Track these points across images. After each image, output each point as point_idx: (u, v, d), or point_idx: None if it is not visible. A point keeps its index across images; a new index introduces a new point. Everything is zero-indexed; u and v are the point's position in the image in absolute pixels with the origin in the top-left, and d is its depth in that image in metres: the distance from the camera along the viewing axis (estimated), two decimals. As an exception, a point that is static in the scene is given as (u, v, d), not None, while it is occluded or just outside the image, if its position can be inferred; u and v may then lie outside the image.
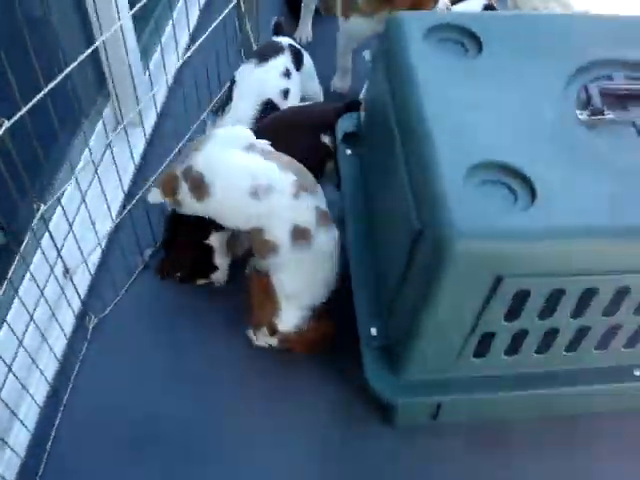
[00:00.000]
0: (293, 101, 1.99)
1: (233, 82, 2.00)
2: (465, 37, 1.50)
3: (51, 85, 1.34)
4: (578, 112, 1.40)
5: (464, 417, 1.64)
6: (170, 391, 1.73)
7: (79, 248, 1.76)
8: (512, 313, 1.32)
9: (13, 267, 1.67)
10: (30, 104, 1.31)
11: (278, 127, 1.81)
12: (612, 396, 1.58)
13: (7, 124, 1.25)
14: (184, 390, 1.73)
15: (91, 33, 1.89)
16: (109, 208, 1.81)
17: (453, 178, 1.23)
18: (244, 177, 1.57)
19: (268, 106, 1.92)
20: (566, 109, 1.40)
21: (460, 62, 1.46)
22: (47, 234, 1.63)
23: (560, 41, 1.51)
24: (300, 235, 1.57)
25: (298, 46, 2.12)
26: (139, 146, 2.09)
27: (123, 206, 1.92)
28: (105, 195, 1.76)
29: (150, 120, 2.11)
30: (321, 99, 2.19)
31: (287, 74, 2.01)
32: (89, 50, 1.44)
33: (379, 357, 1.48)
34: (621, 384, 1.51)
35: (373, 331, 1.49)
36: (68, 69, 1.37)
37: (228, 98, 1.98)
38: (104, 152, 1.88)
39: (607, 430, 1.65)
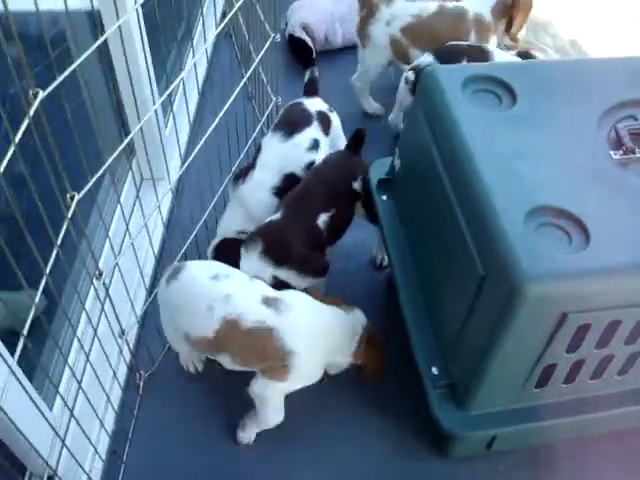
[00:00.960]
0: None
1: (259, 150, 2.03)
2: (499, 88, 1.60)
3: (106, 164, 1.41)
4: (612, 152, 1.51)
5: (517, 445, 1.72)
6: (228, 448, 1.78)
7: (132, 308, 1.82)
8: (571, 344, 1.41)
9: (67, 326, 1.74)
10: (96, 176, 1.38)
11: (316, 181, 1.91)
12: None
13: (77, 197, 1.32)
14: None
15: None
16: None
17: (513, 224, 1.33)
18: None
19: (290, 178, 1.97)
20: (600, 150, 1.51)
21: (498, 112, 1.56)
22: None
23: (585, 86, 1.62)
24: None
25: (327, 110, 2.11)
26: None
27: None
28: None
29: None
30: None
31: (315, 146, 2.02)
32: (126, 141, 1.49)
33: (443, 394, 1.55)
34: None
35: (434, 370, 1.57)
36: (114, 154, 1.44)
37: (252, 166, 2.02)
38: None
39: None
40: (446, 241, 1.53)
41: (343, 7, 2.98)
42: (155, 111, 1.69)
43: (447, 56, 2.34)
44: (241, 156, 2.17)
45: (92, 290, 1.93)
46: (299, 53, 2.87)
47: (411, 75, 2.38)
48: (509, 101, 1.58)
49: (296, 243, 1.80)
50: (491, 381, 1.45)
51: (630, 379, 1.56)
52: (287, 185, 1.95)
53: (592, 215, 1.36)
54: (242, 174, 2.02)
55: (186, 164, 1.82)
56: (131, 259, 1.77)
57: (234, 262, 1.84)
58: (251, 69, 2.09)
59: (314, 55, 2.88)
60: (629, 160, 1.50)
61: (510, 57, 2.42)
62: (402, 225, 1.80)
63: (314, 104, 2.11)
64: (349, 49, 3.00)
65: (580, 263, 1.29)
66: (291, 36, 2.89)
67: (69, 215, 1.34)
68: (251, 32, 2.47)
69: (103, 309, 1.63)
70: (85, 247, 1.51)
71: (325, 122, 2.08)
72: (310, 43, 2.88)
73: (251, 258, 1.80)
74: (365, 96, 2.75)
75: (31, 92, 1.07)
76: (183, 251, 1.94)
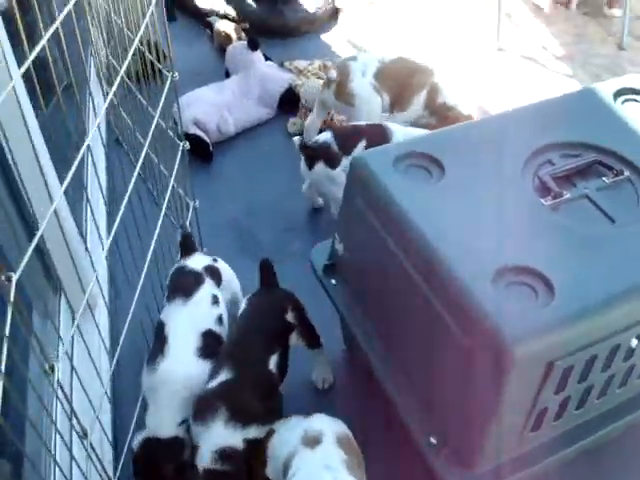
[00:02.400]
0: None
1: (162, 325, 1.89)
2: (425, 161, 1.70)
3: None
4: (542, 200, 1.63)
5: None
6: None
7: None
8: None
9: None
10: (70, 335, 1.35)
11: (250, 328, 1.91)
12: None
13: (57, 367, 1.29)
14: None
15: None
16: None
17: (483, 290, 1.42)
18: None
19: (209, 334, 1.88)
20: (532, 200, 1.64)
21: (432, 185, 1.66)
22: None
23: (501, 142, 1.76)
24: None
25: (212, 262, 2.07)
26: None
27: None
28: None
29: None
30: (241, 296, 2.14)
31: (216, 301, 1.96)
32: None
33: (446, 460, 1.60)
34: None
35: (433, 440, 1.61)
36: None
37: (162, 342, 1.85)
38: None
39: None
40: (417, 316, 1.60)
41: (227, 96, 3.04)
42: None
43: (345, 136, 2.48)
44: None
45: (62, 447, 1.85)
46: (196, 149, 2.89)
47: (297, 140, 2.49)
48: (439, 172, 1.68)
49: (258, 397, 1.74)
50: (492, 439, 1.52)
51: (609, 400, 1.67)
52: (208, 343, 1.87)
53: (548, 264, 1.47)
54: (153, 355, 1.84)
55: (136, 296, 1.80)
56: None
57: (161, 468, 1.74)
58: (169, 190, 2.09)
59: (211, 148, 2.93)
60: (559, 203, 1.63)
61: (409, 130, 2.54)
62: (360, 306, 1.85)
63: (197, 262, 2.05)
64: (242, 134, 3.07)
65: (554, 314, 1.39)
66: (185, 134, 2.91)
67: (56, 386, 1.31)
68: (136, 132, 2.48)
69: (95, 466, 1.58)
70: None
71: (215, 275, 2.03)
72: (205, 137, 2.92)
73: (215, 429, 1.68)
74: None
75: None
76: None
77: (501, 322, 1.36)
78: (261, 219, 2.68)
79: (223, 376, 1.76)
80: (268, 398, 1.78)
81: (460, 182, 1.66)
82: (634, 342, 1.56)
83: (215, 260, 2.10)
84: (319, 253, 1.99)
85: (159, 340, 1.86)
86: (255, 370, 1.80)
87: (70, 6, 1.31)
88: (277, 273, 2.04)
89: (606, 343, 1.47)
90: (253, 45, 3.19)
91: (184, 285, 1.97)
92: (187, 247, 2.11)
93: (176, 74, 2.03)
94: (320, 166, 2.47)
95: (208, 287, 1.98)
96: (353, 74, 2.75)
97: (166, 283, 2.04)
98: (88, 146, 1.49)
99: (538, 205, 1.62)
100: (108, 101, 1.62)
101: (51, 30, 1.22)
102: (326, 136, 2.48)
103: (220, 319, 1.95)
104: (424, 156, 1.71)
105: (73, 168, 1.31)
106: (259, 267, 2.00)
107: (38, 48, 1.18)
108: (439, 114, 2.76)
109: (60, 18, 1.28)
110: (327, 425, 1.68)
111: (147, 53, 2.16)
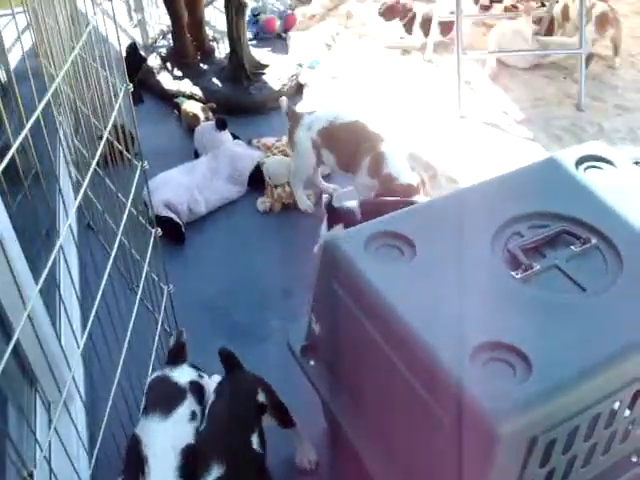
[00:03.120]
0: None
1: (138, 442, 1.79)
2: (396, 240, 1.72)
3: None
4: (513, 273, 1.65)
5: None
6: None
7: None
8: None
9: None
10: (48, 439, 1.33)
11: (226, 415, 1.86)
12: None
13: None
14: None
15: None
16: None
17: (462, 369, 1.42)
18: None
19: (189, 449, 1.79)
20: (502, 274, 1.66)
21: (404, 265, 1.67)
22: None
23: (470, 217, 1.79)
24: None
25: (197, 378, 1.95)
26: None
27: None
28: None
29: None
30: None
31: (194, 417, 1.87)
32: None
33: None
34: (626, 473, 1.72)
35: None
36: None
37: (140, 462, 1.76)
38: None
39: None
40: (397, 395, 1.60)
41: (197, 176, 3.07)
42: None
43: (370, 206, 2.57)
44: (152, 359, 2.13)
45: None
46: (168, 231, 2.89)
47: (325, 199, 2.62)
48: (410, 251, 1.70)
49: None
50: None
51: (593, 468, 1.66)
52: (188, 460, 1.78)
53: (523, 339, 1.47)
54: (131, 478, 1.76)
55: (112, 390, 1.77)
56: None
57: None
58: (142, 277, 2.09)
59: (183, 229, 2.94)
60: (530, 275, 1.65)
61: None
62: (339, 386, 1.85)
63: (183, 374, 1.94)
64: (214, 214, 3.09)
65: (533, 389, 1.39)
66: (157, 216, 2.92)
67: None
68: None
69: None
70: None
71: (198, 392, 1.94)
72: (176, 219, 2.93)
73: None
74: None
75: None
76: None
77: (483, 400, 1.37)
78: (236, 299, 2.68)
79: (216, 472, 1.70)
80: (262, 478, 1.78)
81: (432, 260, 1.68)
82: (616, 405, 1.57)
83: (201, 376, 1.98)
84: (296, 333, 1.99)
85: (137, 460, 1.76)
86: (244, 455, 1.77)
87: (38, 112, 1.32)
88: (255, 353, 2.03)
89: (587, 413, 1.47)
90: (221, 125, 3.24)
91: (165, 399, 1.87)
92: (177, 355, 2.00)
93: (145, 163, 2.05)
94: (338, 229, 2.56)
95: (188, 404, 1.88)
96: (301, 126, 2.99)
97: (145, 389, 1.95)
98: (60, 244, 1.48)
99: (509, 278, 1.65)
100: (80, 197, 1.62)
101: (20, 137, 1.23)
102: (353, 204, 2.59)
103: (197, 430, 1.86)
104: (395, 235, 1.73)
105: (46, 270, 1.31)
106: (219, 357, 1.95)
107: (8, 157, 1.18)
108: (385, 185, 2.77)
109: (29, 124, 1.29)
110: None
111: (116, 143, 2.18)
